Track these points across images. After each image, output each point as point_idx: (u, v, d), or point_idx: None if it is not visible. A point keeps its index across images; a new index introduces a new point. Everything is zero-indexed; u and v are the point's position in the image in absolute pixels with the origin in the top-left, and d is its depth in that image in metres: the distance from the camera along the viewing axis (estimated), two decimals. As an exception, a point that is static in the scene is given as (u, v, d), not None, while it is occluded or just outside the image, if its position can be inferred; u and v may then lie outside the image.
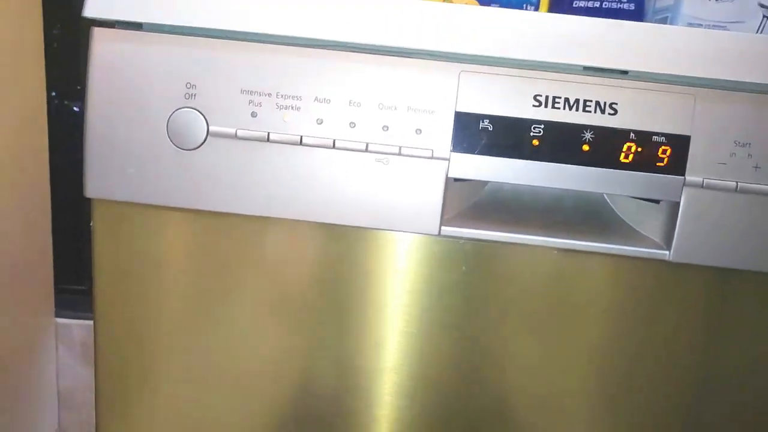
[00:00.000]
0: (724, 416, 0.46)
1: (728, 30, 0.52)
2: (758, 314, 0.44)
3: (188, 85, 0.40)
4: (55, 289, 0.93)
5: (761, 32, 0.52)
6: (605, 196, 0.46)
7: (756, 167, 0.40)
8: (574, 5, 0.58)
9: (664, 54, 0.40)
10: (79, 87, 0.88)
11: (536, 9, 0.57)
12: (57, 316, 0.95)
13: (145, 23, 0.40)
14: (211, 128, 0.40)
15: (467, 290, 0.44)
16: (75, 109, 0.89)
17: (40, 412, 0.92)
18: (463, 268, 0.44)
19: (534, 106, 0.40)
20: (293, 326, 0.46)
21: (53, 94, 0.86)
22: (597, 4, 0.58)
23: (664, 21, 0.56)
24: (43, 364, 0.92)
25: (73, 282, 0.95)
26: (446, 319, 0.45)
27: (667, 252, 0.42)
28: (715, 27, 0.53)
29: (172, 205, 0.42)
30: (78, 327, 0.95)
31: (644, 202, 0.44)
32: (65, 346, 0.96)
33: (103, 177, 0.41)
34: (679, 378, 0.46)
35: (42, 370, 0.92)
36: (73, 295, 0.96)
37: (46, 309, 0.93)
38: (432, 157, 0.41)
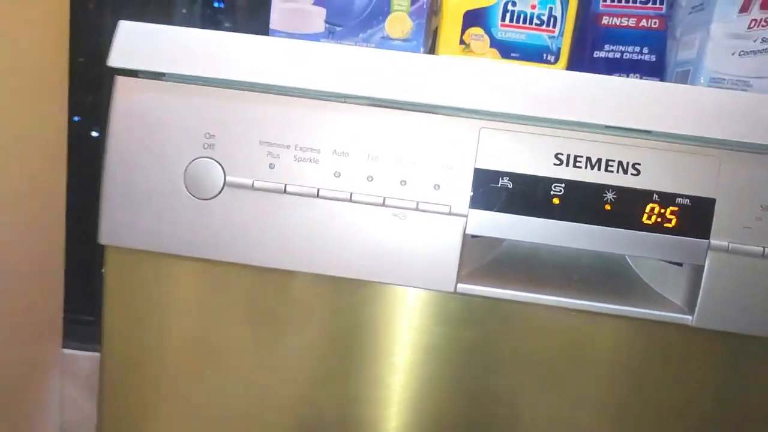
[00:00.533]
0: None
1: (752, 85, 0.52)
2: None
3: (207, 135, 0.40)
4: (64, 319, 0.92)
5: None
6: (626, 256, 0.45)
7: (783, 233, 0.39)
8: (594, 55, 0.58)
9: (687, 114, 0.39)
10: (99, 115, 0.89)
11: (556, 59, 0.57)
12: (64, 347, 0.94)
13: (168, 73, 0.40)
14: (228, 178, 0.40)
15: (482, 349, 0.43)
16: (93, 134, 0.89)
17: (43, 445, 0.90)
18: (479, 326, 0.43)
19: (555, 164, 0.40)
20: (300, 380, 0.45)
21: (75, 119, 0.87)
22: (618, 56, 0.57)
23: (685, 74, 0.55)
24: (46, 396, 0.92)
25: (83, 312, 0.95)
26: (461, 378, 0.44)
27: (690, 317, 0.41)
28: (738, 82, 0.52)
29: (185, 254, 0.41)
30: (84, 359, 0.95)
31: (666, 263, 0.43)
32: (70, 378, 0.95)
33: (118, 224, 0.41)
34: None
35: (45, 401, 0.91)
36: (82, 325, 0.95)
37: (53, 339, 0.92)
38: (450, 213, 0.40)
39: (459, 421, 0.45)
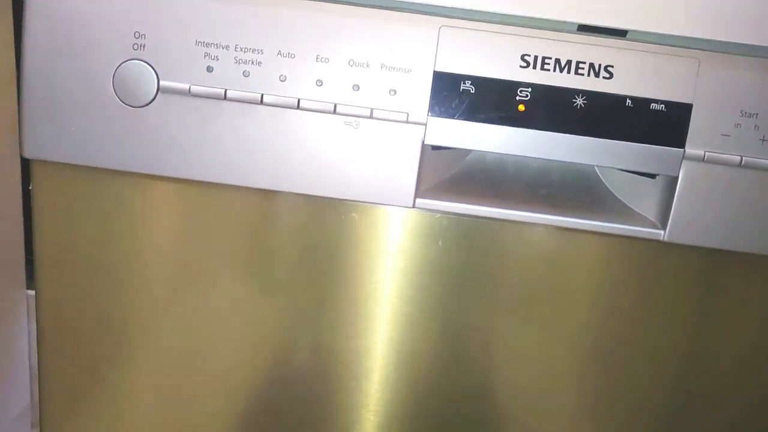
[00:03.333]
0: (717, 399, 0.44)
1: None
2: (758, 300, 0.41)
3: (136, 35, 0.36)
4: (26, 260, 0.89)
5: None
6: (596, 168, 0.42)
7: (763, 140, 0.37)
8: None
9: (667, 13, 0.36)
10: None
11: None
12: (29, 288, 0.91)
13: (87, -38, 0.36)
14: (162, 83, 0.36)
15: (443, 268, 0.41)
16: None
17: (12, 387, 0.88)
18: (439, 243, 0.40)
19: (521, 66, 0.37)
20: (255, 305, 0.42)
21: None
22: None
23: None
24: (14, 338, 0.89)
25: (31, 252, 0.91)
26: (421, 298, 0.42)
27: (662, 231, 0.39)
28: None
29: (119, 167, 0.38)
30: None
31: (639, 176, 0.40)
32: (33, 319, 0.93)
33: (43, 136, 0.37)
34: (670, 364, 0.43)
35: (13, 343, 0.89)
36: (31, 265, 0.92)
37: (16, 281, 0.89)
38: (407, 121, 0.37)
39: (420, 344, 0.43)
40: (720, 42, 0.36)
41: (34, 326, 0.98)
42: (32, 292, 0.92)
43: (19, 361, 0.91)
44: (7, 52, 0.67)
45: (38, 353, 0.43)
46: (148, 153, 0.37)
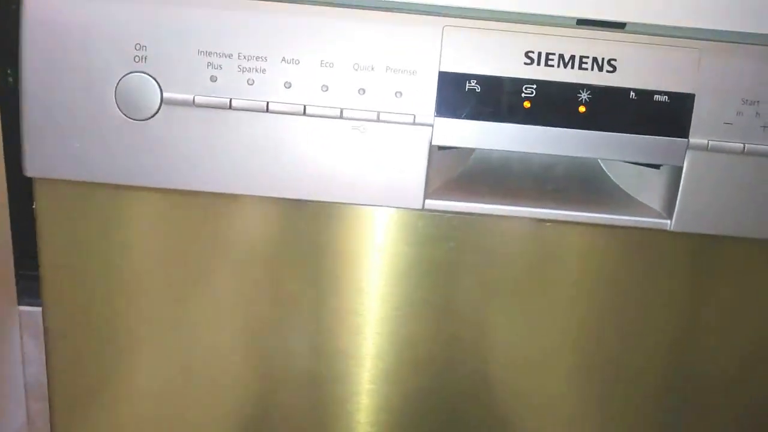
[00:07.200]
0: (723, 387, 0.44)
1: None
2: (765, 285, 0.42)
3: (137, 47, 0.36)
4: (16, 276, 0.87)
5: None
6: (600, 162, 0.43)
7: (764, 127, 0.37)
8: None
9: (665, 4, 0.36)
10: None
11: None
12: (20, 303, 0.90)
13: (84, -25, 0.35)
14: (165, 95, 0.36)
15: (455, 268, 0.41)
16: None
17: (7, 404, 0.87)
18: (451, 244, 0.41)
19: (525, 63, 0.37)
20: (265, 312, 0.42)
21: None
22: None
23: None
24: (7, 354, 0.88)
25: (36, 268, 0.90)
26: (433, 300, 0.42)
27: (669, 221, 0.39)
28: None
29: (123, 182, 0.37)
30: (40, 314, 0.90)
31: (643, 167, 0.40)
32: (30, 335, 0.91)
33: (45, 153, 0.37)
34: (682, 354, 0.44)
35: (7, 360, 0.88)
36: (37, 281, 0.90)
37: (7, 297, 0.88)
38: (414, 123, 0.37)
39: (431, 346, 0.43)
40: (719, 31, 0.37)
41: (26, 343, 0.97)
42: (24, 308, 0.90)
43: (13, 378, 0.90)
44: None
45: (47, 368, 0.43)
46: (153, 166, 0.37)
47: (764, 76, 0.37)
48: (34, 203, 0.39)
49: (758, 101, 0.37)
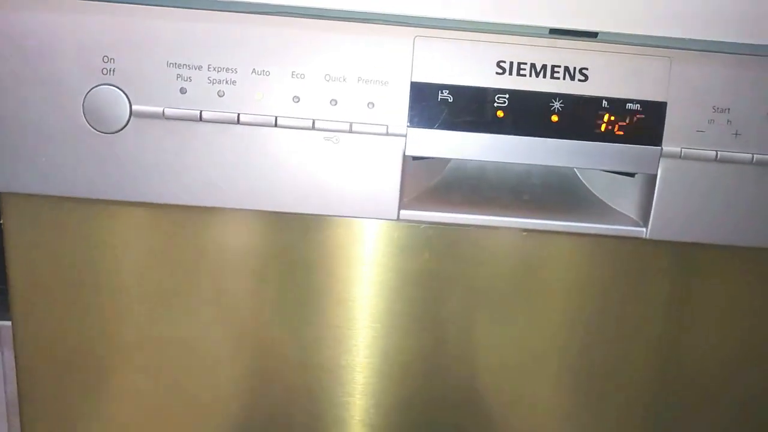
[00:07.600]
0: (703, 393, 0.44)
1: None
2: (740, 290, 0.42)
3: (105, 59, 0.35)
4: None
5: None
6: (576, 170, 0.43)
7: (736, 134, 0.37)
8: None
9: (636, 13, 0.36)
10: None
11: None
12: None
13: (50, -13, 0.35)
14: (135, 108, 0.35)
15: (431, 278, 0.41)
16: None
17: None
18: (426, 254, 0.40)
19: (497, 73, 0.37)
20: (241, 326, 0.41)
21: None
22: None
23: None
24: (-15, 370, 0.86)
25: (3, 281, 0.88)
26: (410, 310, 0.41)
27: (644, 229, 0.39)
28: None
29: (92, 196, 0.37)
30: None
31: (618, 175, 0.40)
32: (10, 349, 0.90)
33: (11, 167, 0.36)
34: (658, 360, 0.43)
35: (-16, 375, 0.86)
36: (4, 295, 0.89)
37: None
38: (387, 134, 0.37)
39: (410, 357, 0.42)
40: (690, 40, 0.37)
41: (7, 358, 0.95)
42: (3, 324, 0.89)
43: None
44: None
45: (17, 383, 0.42)
46: (123, 179, 0.36)
47: (735, 83, 0.37)
48: (1, 218, 0.38)
49: (729, 109, 0.37)
